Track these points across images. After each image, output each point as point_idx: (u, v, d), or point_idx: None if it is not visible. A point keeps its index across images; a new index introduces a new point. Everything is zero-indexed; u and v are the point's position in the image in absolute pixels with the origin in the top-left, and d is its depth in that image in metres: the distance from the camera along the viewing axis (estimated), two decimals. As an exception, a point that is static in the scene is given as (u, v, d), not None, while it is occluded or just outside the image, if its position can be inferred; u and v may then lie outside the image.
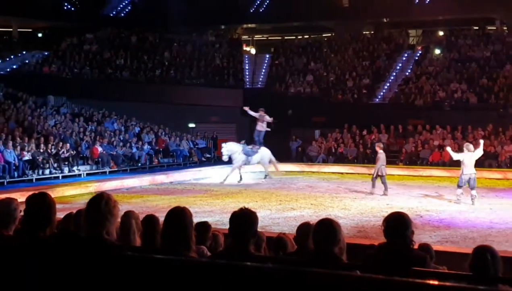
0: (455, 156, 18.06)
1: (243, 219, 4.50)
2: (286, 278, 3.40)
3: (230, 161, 23.80)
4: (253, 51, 44.22)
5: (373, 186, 19.49)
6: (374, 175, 19.44)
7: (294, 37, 44.23)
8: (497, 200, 18.28)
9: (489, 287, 3.54)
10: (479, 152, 17.58)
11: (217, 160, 30.45)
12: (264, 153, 24.24)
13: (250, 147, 23.97)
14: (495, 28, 38.79)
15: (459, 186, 17.48)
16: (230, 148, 23.77)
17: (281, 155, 30.08)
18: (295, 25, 44.41)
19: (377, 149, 20.17)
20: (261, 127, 24.28)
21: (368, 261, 4.85)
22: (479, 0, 36.93)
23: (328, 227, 4.63)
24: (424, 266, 4.59)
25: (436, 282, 3.27)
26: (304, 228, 5.92)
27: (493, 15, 38.46)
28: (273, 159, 24.71)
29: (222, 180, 23.29)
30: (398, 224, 4.80)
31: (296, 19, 42.87)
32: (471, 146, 17.67)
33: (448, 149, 19.32)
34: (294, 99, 35.04)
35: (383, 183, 19.21)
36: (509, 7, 35.75)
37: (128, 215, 5.07)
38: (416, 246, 5.41)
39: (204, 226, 6.74)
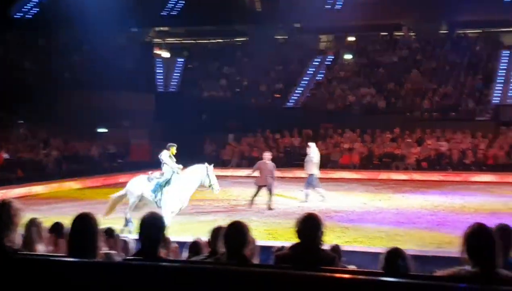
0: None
1: (152, 224, 4.49)
2: (194, 276, 3.46)
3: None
4: (165, 54, 43.83)
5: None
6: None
7: (207, 41, 44.23)
8: (404, 200, 18.96)
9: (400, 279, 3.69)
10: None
11: (129, 165, 29.94)
12: None
13: None
14: (402, 34, 40.22)
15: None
16: None
17: (195, 159, 29.98)
18: (208, 29, 44.38)
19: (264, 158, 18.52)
20: None
21: (278, 261, 4.94)
22: (388, 7, 38.11)
23: (237, 229, 4.70)
24: (333, 265, 4.73)
25: (346, 276, 3.40)
26: (216, 232, 5.99)
27: (400, 22, 39.84)
28: None
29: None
30: (309, 225, 4.91)
31: (209, 23, 42.85)
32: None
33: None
34: (208, 104, 35.02)
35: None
36: (415, 14, 37.16)
37: (31, 222, 4.96)
38: (325, 247, 5.55)
39: (110, 231, 6.66)
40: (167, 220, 12.73)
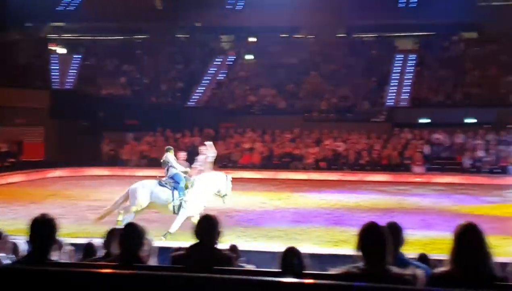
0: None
1: (43, 226, 4.32)
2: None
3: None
4: (61, 50, 42.43)
5: None
6: None
7: (106, 38, 43.21)
8: (302, 199, 19.31)
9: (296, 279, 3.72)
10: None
11: (22, 165, 28.78)
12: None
13: None
14: (302, 36, 40.95)
15: None
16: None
17: (93, 159, 29.30)
18: (107, 26, 43.38)
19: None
20: None
21: (174, 262, 4.87)
22: (288, 9, 38.62)
23: (133, 231, 4.61)
24: (230, 265, 4.72)
25: (239, 276, 3.40)
26: (111, 233, 5.88)
27: (300, 24, 40.53)
28: None
29: None
30: (205, 225, 4.89)
31: (108, 19, 41.89)
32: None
33: None
34: (106, 102, 34.22)
35: None
36: (314, 17, 37.91)
37: None
38: (224, 246, 5.55)
39: None
40: (177, 226, 12.28)
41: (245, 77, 36.03)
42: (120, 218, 12.69)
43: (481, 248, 4.09)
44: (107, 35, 43.28)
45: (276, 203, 18.42)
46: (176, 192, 12.99)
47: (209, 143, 18.39)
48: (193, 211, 12.72)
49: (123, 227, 4.74)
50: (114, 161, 30.11)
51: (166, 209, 13.05)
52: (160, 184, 13.16)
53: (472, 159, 26.68)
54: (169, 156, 13.47)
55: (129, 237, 4.58)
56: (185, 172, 13.37)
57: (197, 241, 4.90)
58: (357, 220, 13.55)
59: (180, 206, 12.89)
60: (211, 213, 5.19)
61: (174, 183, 13.11)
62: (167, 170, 13.38)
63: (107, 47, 40.80)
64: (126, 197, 13.10)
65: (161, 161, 13.59)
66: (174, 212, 12.94)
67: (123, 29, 42.48)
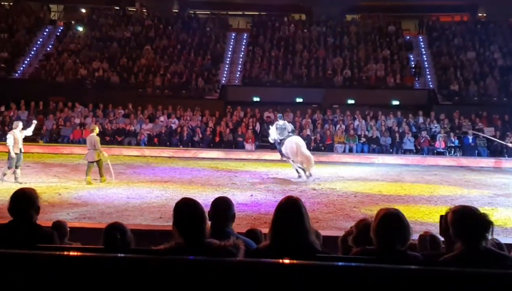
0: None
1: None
2: None
3: None
4: None
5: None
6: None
7: None
8: (135, 176, 19.15)
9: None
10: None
11: None
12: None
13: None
14: (135, 9, 40.27)
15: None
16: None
17: None
18: None
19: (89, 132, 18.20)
20: None
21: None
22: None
23: None
24: (52, 242, 4.61)
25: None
26: None
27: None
28: None
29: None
30: (20, 200, 4.73)
31: None
32: (17, 123, 17.91)
33: None
34: None
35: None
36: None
37: None
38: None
39: None
40: None
41: (75, 49, 34.71)
42: None
43: (300, 222, 4.32)
44: None
45: (108, 179, 18.07)
46: None
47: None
48: None
49: None
50: None
51: None
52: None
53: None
54: None
55: None
56: None
57: (13, 218, 4.73)
58: (189, 196, 13.68)
59: None
60: (27, 188, 5.01)
61: None
62: None
63: None
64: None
65: None
66: None
67: None
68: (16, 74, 33.44)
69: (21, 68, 33.84)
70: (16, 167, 17.11)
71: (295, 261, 3.45)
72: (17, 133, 17.31)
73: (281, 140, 19.51)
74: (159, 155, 25.66)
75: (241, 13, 40.35)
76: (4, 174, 17.10)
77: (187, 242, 4.02)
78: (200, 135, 28.05)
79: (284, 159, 19.69)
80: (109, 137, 27.59)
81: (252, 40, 35.95)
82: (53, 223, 6.65)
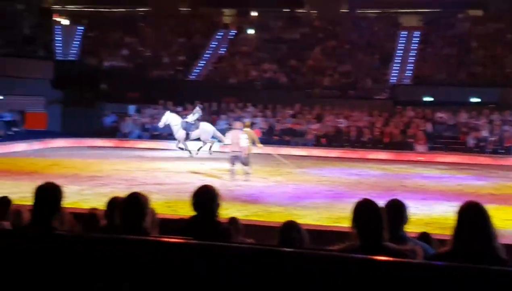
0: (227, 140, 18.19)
1: (47, 193, 4.31)
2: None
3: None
4: (65, 22, 42.25)
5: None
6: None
7: (108, 10, 42.96)
8: (303, 176, 19.29)
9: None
10: (244, 137, 17.44)
11: (25, 134, 28.82)
12: (206, 128, 23.11)
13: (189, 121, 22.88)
14: (304, 11, 40.70)
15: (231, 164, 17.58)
16: (170, 118, 23.13)
17: (94, 130, 29.32)
18: (109, -3, 43.23)
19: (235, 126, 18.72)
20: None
21: (176, 234, 4.85)
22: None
23: (135, 200, 4.54)
24: (230, 238, 4.70)
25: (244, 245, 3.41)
26: (113, 203, 5.82)
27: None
28: (217, 133, 23.22)
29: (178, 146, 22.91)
30: (204, 196, 4.85)
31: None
32: (237, 123, 18.28)
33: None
34: (108, 74, 34.12)
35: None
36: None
37: None
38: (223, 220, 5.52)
39: (4, 201, 6.34)
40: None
41: (246, 52, 35.83)
42: None
43: (485, 228, 4.04)
44: (110, 7, 43.07)
45: (277, 178, 18.40)
46: None
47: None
48: None
49: (126, 196, 4.66)
50: (114, 133, 30.08)
51: None
52: None
53: (476, 139, 26.57)
54: None
55: (132, 207, 4.51)
56: None
57: (196, 213, 4.86)
58: (358, 197, 13.40)
59: None
60: (208, 184, 5.14)
61: None
62: None
63: (109, 19, 40.54)
64: None
65: None
66: None
67: (125, 1, 42.27)
68: (192, 76, 35.17)
69: (197, 71, 35.53)
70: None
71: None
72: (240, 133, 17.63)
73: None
74: (327, 155, 25.64)
75: (412, 10, 39.27)
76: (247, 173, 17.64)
77: (364, 244, 3.92)
78: (368, 136, 27.66)
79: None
80: (277, 137, 28.07)
81: (424, 38, 34.85)
82: (229, 219, 6.82)
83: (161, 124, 23.58)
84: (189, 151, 22.79)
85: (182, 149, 22.90)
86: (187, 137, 22.92)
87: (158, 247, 3.54)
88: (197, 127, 22.98)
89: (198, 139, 23.08)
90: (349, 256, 3.55)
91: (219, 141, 22.76)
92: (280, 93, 31.47)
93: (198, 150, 22.86)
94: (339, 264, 3.40)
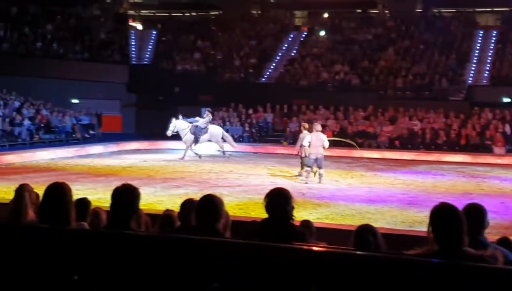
0: (305, 142, 17.61)
1: (125, 195, 4.39)
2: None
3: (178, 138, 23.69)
4: (139, 26, 43.30)
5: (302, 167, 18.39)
6: (302, 155, 18.23)
7: (181, 14, 43.73)
8: (376, 178, 19.01)
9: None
10: (325, 138, 17.39)
11: (101, 137, 29.68)
12: (214, 131, 23.72)
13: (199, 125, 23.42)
14: (377, 11, 40.18)
15: (308, 166, 17.60)
16: (178, 125, 23.55)
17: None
18: (182, 2, 43.95)
19: (301, 128, 19.18)
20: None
21: (249, 236, 4.84)
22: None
23: (210, 202, 4.57)
24: (304, 241, 4.65)
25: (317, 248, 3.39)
26: (187, 204, 5.86)
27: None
28: (227, 136, 24.16)
29: (181, 157, 23.22)
30: (278, 199, 4.82)
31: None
32: (318, 126, 17.98)
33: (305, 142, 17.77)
34: (181, 77, 34.70)
35: (302, 163, 18.36)
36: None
37: (22, 188, 4.91)
38: (298, 223, 5.48)
39: (83, 202, 6.49)
40: None
41: (318, 53, 35.65)
42: None
43: None
44: (182, 11, 43.86)
45: (349, 181, 18.20)
46: None
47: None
48: None
49: (201, 198, 4.70)
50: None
51: None
52: None
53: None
54: None
55: (206, 209, 4.54)
56: None
57: (269, 215, 4.83)
58: (433, 201, 13.03)
59: None
60: (283, 187, 5.10)
61: None
62: None
63: (182, 23, 41.24)
64: None
65: None
66: None
67: (197, 5, 42.92)
68: (263, 79, 35.28)
69: (268, 73, 35.62)
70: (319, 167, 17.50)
71: None
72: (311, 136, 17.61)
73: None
74: (400, 158, 25.18)
75: (489, 9, 38.14)
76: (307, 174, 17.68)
77: (442, 249, 3.79)
78: (444, 138, 26.97)
79: None
80: (350, 139, 27.73)
81: (502, 37, 33.74)
82: (301, 222, 6.76)
83: (169, 132, 23.78)
84: (199, 155, 23.31)
85: (196, 154, 23.26)
86: (197, 141, 23.38)
87: (242, 250, 3.55)
88: (206, 131, 23.46)
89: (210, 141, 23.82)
90: (428, 261, 3.46)
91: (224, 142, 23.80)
92: (352, 95, 31.13)
93: (224, 153, 23.57)
94: (418, 269, 3.32)
